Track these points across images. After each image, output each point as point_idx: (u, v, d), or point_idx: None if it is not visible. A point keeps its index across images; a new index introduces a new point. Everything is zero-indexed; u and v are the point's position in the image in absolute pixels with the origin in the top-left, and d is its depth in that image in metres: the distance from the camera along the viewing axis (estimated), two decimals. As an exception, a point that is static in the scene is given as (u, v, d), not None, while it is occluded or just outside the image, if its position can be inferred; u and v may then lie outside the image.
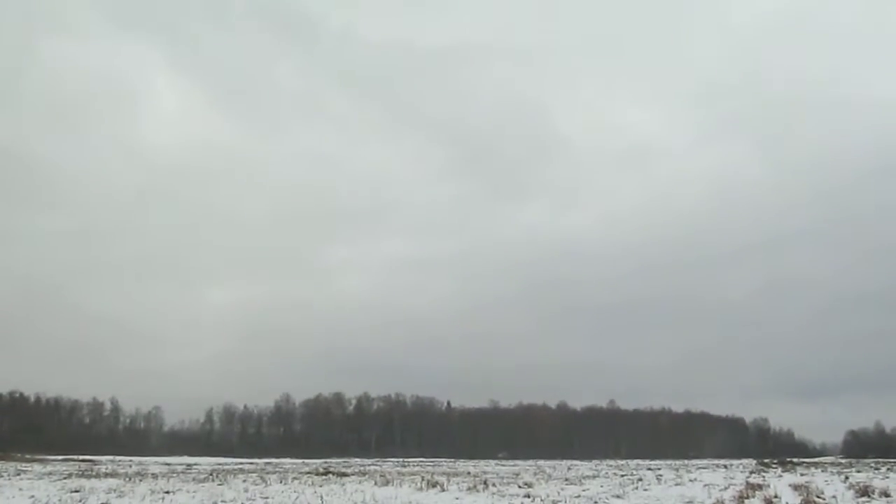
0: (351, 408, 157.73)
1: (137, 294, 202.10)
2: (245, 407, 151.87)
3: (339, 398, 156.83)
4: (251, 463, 69.54)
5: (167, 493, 22.66)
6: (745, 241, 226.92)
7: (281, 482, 30.58)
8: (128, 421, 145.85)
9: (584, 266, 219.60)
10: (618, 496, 23.15)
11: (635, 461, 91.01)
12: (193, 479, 32.40)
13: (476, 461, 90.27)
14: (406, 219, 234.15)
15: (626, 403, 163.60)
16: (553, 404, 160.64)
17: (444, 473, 41.19)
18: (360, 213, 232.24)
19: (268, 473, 40.06)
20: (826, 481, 33.01)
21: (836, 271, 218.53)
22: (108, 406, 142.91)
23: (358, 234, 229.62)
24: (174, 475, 37.23)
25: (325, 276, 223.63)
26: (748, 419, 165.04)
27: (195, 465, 61.05)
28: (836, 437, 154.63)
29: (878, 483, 28.85)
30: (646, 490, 26.44)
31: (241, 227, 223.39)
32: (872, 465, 64.71)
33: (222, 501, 19.22)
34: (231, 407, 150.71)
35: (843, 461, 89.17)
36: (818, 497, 21.71)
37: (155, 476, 35.71)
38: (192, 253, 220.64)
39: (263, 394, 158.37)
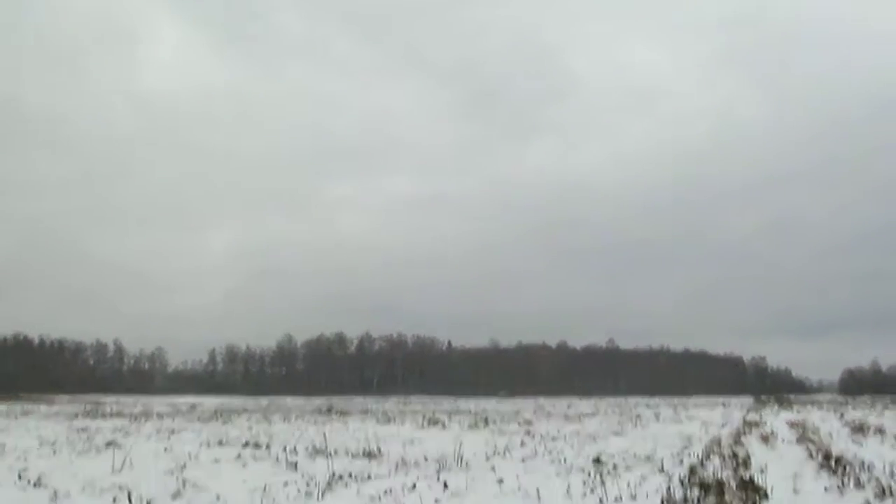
0: (353, 348, 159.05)
1: (139, 237, 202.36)
2: (247, 347, 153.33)
3: (340, 338, 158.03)
4: (255, 402, 70.36)
5: (172, 432, 22.99)
6: (747, 180, 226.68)
7: (284, 421, 30.99)
8: (132, 362, 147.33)
9: (589, 206, 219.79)
10: (616, 433, 23.47)
11: (634, 399, 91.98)
12: (198, 419, 32.83)
13: (477, 399, 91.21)
14: (410, 159, 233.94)
15: (626, 343, 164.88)
16: (553, 344, 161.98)
17: (445, 412, 41.73)
18: (363, 153, 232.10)
19: (271, 412, 40.57)
20: (822, 418, 33.47)
21: (836, 210, 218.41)
22: (111, 347, 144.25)
23: (361, 173, 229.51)
24: (179, 415, 37.71)
25: (326, 217, 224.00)
26: (746, 358, 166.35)
27: (199, 404, 61.75)
28: (833, 375, 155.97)
29: (872, 420, 29.27)
30: (644, 428, 26.80)
31: (242, 168, 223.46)
32: (868, 402, 65.54)
33: (227, 440, 19.48)
34: (234, 347, 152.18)
35: (839, 398, 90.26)
36: (814, 434, 22.02)
37: (160, 415, 36.16)
38: (195, 195, 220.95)
39: (265, 334, 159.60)
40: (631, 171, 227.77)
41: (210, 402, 71.15)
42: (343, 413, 40.10)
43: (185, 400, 76.51)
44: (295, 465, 13.24)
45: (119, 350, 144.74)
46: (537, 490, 10.02)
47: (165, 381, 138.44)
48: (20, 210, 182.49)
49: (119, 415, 36.94)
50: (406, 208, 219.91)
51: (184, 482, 10.70)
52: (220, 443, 18.50)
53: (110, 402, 66.06)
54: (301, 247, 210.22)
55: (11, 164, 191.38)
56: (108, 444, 17.40)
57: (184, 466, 12.96)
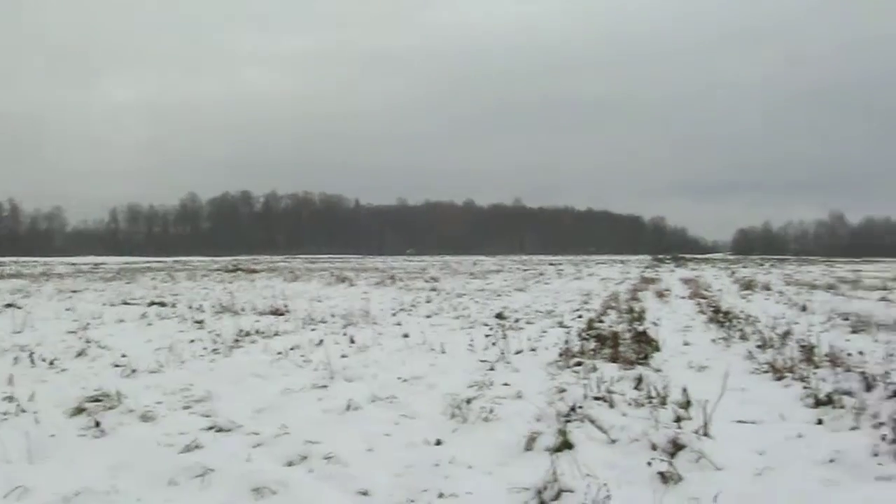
0: (259, 206, 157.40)
1: (35, 90, 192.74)
2: (150, 206, 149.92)
3: (246, 196, 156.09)
4: (159, 262, 69.45)
5: (74, 292, 22.56)
6: (676, 44, 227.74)
7: (190, 279, 30.77)
8: (28, 221, 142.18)
9: (501, 63, 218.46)
10: (520, 290, 24.19)
11: (538, 257, 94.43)
12: (101, 278, 32.27)
13: (384, 258, 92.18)
14: (314, 7, 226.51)
15: (532, 202, 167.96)
16: (460, 202, 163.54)
17: (352, 269, 42.09)
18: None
19: (176, 271, 40.18)
20: (714, 276, 35.19)
21: (761, 74, 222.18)
22: (5, 206, 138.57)
23: (267, 24, 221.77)
24: (80, 275, 36.99)
25: (231, 73, 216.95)
26: (646, 217, 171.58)
27: (102, 264, 60.64)
28: (728, 236, 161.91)
29: (760, 278, 30.93)
30: (546, 284, 27.67)
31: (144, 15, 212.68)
32: (758, 261, 69.01)
33: (131, 299, 19.26)
34: (136, 206, 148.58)
35: (731, 257, 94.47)
36: (706, 290, 23.14)
37: (61, 276, 35.41)
38: (95, 43, 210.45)
39: (169, 193, 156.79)
40: (547, 27, 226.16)
41: (113, 262, 69.92)
42: (250, 271, 40.01)
43: (86, 260, 74.95)
44: (201, 323, 13.25)
45: (14, 209, 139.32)
46: (441, 344, 10.33)
47: (65, 241, 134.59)
48: None
49: (18, 276, 35.98)
50: (312, 62, 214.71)
51: (87, 341, 10.60)
52: (125, 302, 18.29)
53: (9, 262, 64.16)
54: (204, 103, 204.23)
55: None
56: (8, 305, 16.99)
57: (87, 326, 12.82)
